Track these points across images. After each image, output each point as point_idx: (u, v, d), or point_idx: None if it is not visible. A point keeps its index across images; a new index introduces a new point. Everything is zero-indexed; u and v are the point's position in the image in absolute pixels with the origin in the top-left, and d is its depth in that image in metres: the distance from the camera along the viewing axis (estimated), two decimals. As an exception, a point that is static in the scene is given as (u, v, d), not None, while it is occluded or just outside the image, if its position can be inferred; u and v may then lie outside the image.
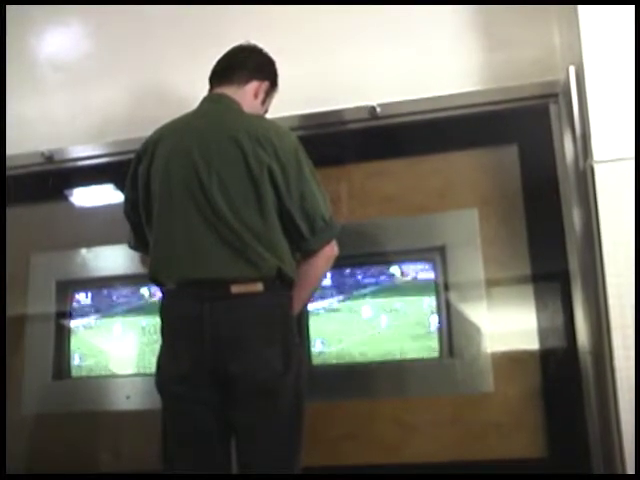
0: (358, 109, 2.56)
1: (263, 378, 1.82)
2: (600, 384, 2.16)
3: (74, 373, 2.80)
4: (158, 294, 2.59)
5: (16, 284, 2.81)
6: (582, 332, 2.27)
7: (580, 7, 2.17)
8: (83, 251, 2.86)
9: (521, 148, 2.49)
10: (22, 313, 2.83)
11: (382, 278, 2.57)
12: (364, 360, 2.53)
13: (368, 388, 2.50)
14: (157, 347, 1.98)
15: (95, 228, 2.83)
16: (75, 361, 2.81)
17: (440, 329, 2.50)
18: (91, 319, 2.83)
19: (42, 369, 2.78)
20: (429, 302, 2.53)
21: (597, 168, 2.10)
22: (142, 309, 2.77)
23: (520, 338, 2.40)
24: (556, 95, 2.40)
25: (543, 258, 2.40)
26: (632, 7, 2.12)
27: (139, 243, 2.11)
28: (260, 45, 2.17)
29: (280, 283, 1.89)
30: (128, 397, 2.69)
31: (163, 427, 1.96)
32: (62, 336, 2.82)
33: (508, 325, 2.43)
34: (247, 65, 2.12)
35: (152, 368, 1.98)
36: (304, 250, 1.94)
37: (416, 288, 2.55)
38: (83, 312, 2.84)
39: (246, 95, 2.09)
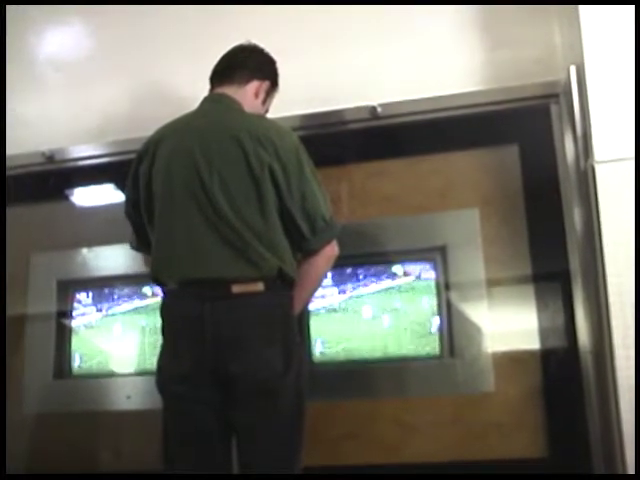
0: (359, 109, 2.56)
1: (264, 378, 1.82)
2: (601, 384, 2.16)
3: (75, 373, 2.80)
4: (157, 293, 2.61)
5: (17, 284, 2.81)
6: (583, 332, 2.27)
7: (581, 7, 2.17)
8: (84, 251, 2.87)
9: (522, 148, 2.49)
10: (23, 313, 2.83)
11: (383, 278, 2.57)
12: (365, 360, 2.53)
13: (369, 388, 2.50)
14: (158, 347, 1.98)
15: (96, 228, 2.83)
16: (76, 361, 2.81)
17: (441, 329, 2.50)
18: (92, 319, 2.83)
19: (43, 369, 2.78)
20: (430, 302, 2.53)
21: (598, 168, 2.10)
22: (143, 309, 2.77)
23: (521, 338, 2.40)
24: (557, 95, 2.40)
25: (544, 258, 2.40)
26: (633, 7, 2.11)
27: (141, 244, 2.11)
28: (261, 45, 2.17)
29: (281, 283, 1.89)
30: (129, 397, 2.69)
31: (164, 427, 1.96)
32: (63, 336, 2.82)
33: (509, 325, 2.43)
34: (248, 65, 2.12)
35: (153, 368, 1.98)
36: (305, 250, 1.94)
37: (417, 288, 2.55)
38: (84, 312, 2.84)
39: (247, 95, 2.09)
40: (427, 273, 2.55)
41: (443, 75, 2.56)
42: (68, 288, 2.87)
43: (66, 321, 2.84)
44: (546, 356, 2.36)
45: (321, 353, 2.56)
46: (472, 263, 2.48)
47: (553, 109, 2.42)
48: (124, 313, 2.80)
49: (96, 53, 2.93)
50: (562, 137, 2.36)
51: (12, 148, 2.78)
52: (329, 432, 2.44)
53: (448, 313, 2.50)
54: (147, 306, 2.76)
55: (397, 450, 2.42)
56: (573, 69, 2.25)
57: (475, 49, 2.57)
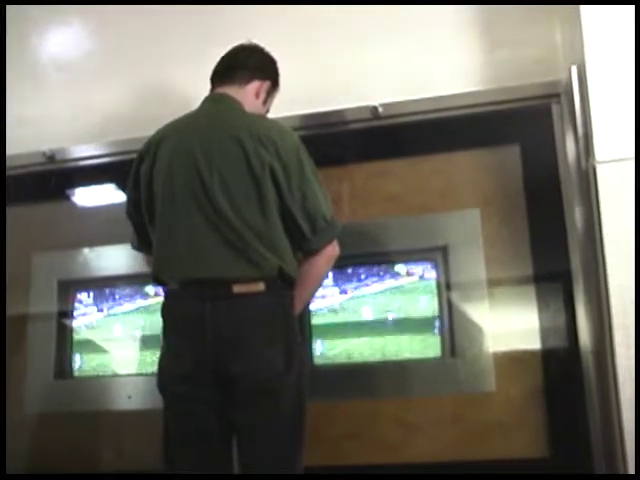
0: (360, 109, 2.56)
1: (264, 378, 1.82)
2: (602, 383, 2.16)
3: (76, 373, 2.80)
4: (159, 293, 2.61)
5: (18, 284, 2.81)
6: (584, 331, 2.27)
7: (582, 7, 2.17)
8: (85, 251, 2.87)
9: (523, 148, 2.49)
10: (24, 313, 2.83)
11: (384, 278, 2.57)
12: (366, 360, 2.53)
13: (370, 388, 2.50)
14: (159, 347, 1.98)
15: (97, 228, 2.83)
16: (77, 361, 2.81)
17: (442, 329, 2.50)
18: (93, 319, 2.83)
19: (44, 368, 2.78)
20: (431, 302, 2.53)
21: (599, 168, 2.10)
22: (144, 309, 2.78)
23: (522, 338, 2.40)
24: (558, 95, 2.40)
25: (545, 258, 2.40)
26: (633, 7, 2.11)
27: (142, 244, 2.11)
28: (261, 45, 2.17)
29: (281, 283, 1.89)
30: (130, 397, 2.69)
31: (165, 427, 1.96)
32: (64, 336, 2.82)
33: (510, 325, 2.43)
34: (248, 65, 2.12)
35: (154, 368, 1.98)
36: (305, 250, 1.94)
37: (418, 288, 2.55)
38: (85, 312, 2.84)
39: (247, 95, 2.09)
40: (428, 273, 2.55)
41: (444, 75, 2.56)
42: (69, 288, 2.87)
43: (67, 321, 2.85)
44: (547, 356, 2.36)
45: (322, 353, 2.56)
46: (473, 263, 2.48)
47: (554, 109, 2.42)
48: (125, 313, 2.80)
49: (97, 53, 2.93)
50: (563, 137, 2.36)
51: (13, 148, 2.78)
52: (330, 432, 2.44)
53: (449, 313, 2.50)
54: (148, 306, 2.76)
55: (398, 450, 2.42)
56: (574, 69, 2.25)
57: (476, 49, 2.57)
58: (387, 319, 2.56)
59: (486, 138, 2.53)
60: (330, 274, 2.52)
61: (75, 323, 2.85)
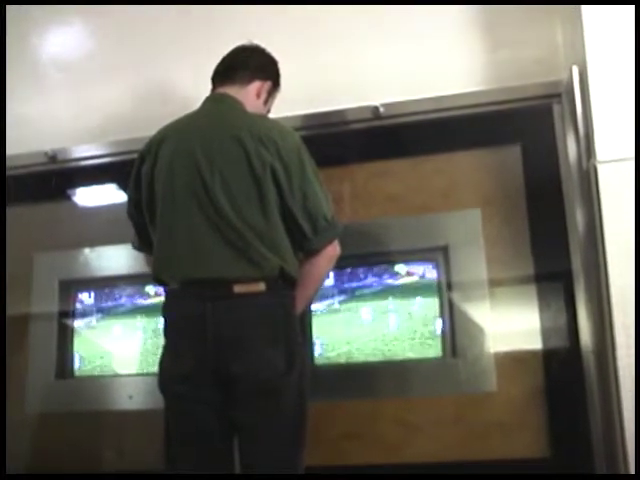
0: (361, 109, 2.56)
1: (265, 378, 1.81)
2: (603, 384, 2.15)
3: (77, 373, 2.81)
4: (160, 293, 2.61)
5: (19, 284, 2.82)
6: (585, 332, 2.26)
7: (583, 7, 2.17)
8: (86, 251, 2.87)
9: (524, 148, 2.49)
10: (25, 312, 2.84)
11: (385, 278, 2.57)
12: (367, 360, 2.53)
13: (371, 388, 2.50)
14: (160, 347, 1.98)
15: (98, 228, 2.83)
16: (78, 361, 2.81)
17: (443, 329, 2.50)
18: (94, 319, 2.84)
19: (45, 368, 2.78)
20: (432, 302, 2.53)
21: (600, 168, 2.10)
22: (145, 309, 2.78)
23: (523, 338, 2.40)
24: (559, 95, 2.39)
25: (546, 258, 2.40)
26: (633, 7, 2.11)
27: (143, 244, 2.12)
28: (262, 45, 2.17)
29: (282, 283, 1.89)
30: (131, 397, 2.69)
31: (167, 427, 1.96)
32: (65, 336, 2.83)
33: (511, 325, 2.43)
34: (249, 65, 2.12)
35: (155, 368, 1.98)
36: (306, 250, 1.94)
37: (419, 288, 2.55)
38: (86, 312, 2.85)
39: (248, 95, 2.09)
40: (429, 273, 2.55)
41: (445, 75, 2.56)
42: (70, 288, 2.87)
43: (68, 321, 2.85)
44: (548, 356, 2.36)
45: (323, 353, 2.56)
46: (474, 263, 2.48)
47: (555, 109, 2.42)
48: (126, 313, 2.80)
49: (98, 53, 2.93)
50: (564, 137, 2.35)
51: (14, 148, 2.78)
52: (331, 432, 2.44)
53: (450, 313, 2.50)
54: (149, 306, 2.76)
55: (399, 450, 2.42)
56: (575, 69, 2.25)
57: (477, 49, 2.57)
58: (388, 319, 2.55)
59: (487, 138, 2.53)
60: (331, 274, 2.52)
61: (76, 323, 2.85)
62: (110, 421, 2.71)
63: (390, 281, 2.57)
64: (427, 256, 2.57)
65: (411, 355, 2.51)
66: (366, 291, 2.58)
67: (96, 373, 2.79)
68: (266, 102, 2.16)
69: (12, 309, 2.73)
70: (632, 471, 1.96)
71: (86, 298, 2.86)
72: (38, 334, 2.82)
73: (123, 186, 2.33)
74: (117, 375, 2.80)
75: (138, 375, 2.75)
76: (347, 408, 2.48)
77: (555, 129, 2.42)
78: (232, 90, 2.07)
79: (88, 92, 2.87)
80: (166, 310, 1.96)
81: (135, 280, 2.77)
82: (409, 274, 2.56)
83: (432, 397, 2.46)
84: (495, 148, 2.56)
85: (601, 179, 2.08)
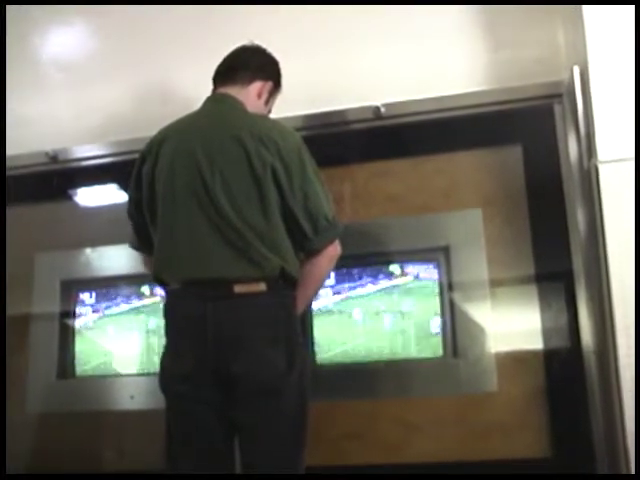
0: (362, 109, 2.56)
1: (266, 378, 1.82)
2: (604, 384, 2.15)
3: (78, 372, 2.81)
4: (160, 294, 2.62)
5: (21, 284, 2.82)
6: (586, 332, 2.26)
7: (585, 7, 2.17)
8: (87, 251, 2.87)
9: (525, 148, 2.49)
10: (27, 312, 2.84)
11: (385, 278, 2.57)
12: (368, 360, 2.53)
13: (372, 388, 2.50)
14: (161, 346, 1.98)
15: (99, 228, 2.83)
16: (79, 361, 2.81)
17: (444, 329, 2.50)
18: (95, 319, 2.84)
19: (46, 368, 2.78)
20: (433, 302, 2.53)
21: (601, 168, 2.09)
22: (145, 308, 2.78)
23: (524, 338, 2.40)
24: (560, 95, 2.39)
25: (547, 258, 2.40)
26: (633, 7, 2.11)
27: (142, 243, 2.11)
28: (264, 45, 2.17)
29: (283, 283, 1.89)
30: (132, 397, 2.69)
31: (167, 427, 1.96)
32: (66, 336, 2.83)
33: (512, 325, 2.43)
34: (250, 65, 2.13)
35: (156, 368, 1.98)
36: (307, 250, 1.94)
37: (420, 288, 2.55)
38: (87, 312, 2.85)
39: (249, 95, 2.09)
40: (430, 273, 2.55)
41: (446, 75, 2.56)
42: (71, 288, 2.87)
43: (69, 321, 2.85)
44: (549, 356, 2.36)
45: (324, 353, 2.56)
46: (475, 263, 2.48)
47: (556, 109, 2.42)
48: (127, 313, 2.80)
49: (99, 53, 2.93)
50: (565, 137, 2.35)
51: (15, 148, 2.78)
52: (332, 432, 2.44)
53: (451, 313, 2.50)
54: (150, 306, 2.77)
55: (400, 450, 2.42)
56: (576, 69, 2.25)
57: (478, 49, 2.57)
58: (389, 319, 2.55)
59: (488, 138, 2.53)
60: (332, 274, 2.52)
61: (77, 323, 2.85)
62: (111, 421, 2.72)
63: (390, 281, 2.57)
64: (428, 256, 2.57)
65: (412, 355, 2.51)
66: (367, 291, 2.58)
67: (97, 373, 2.79)
68: (267, 102, 2.16)
69: (13, 309, 2.73)
70: (633, 471, 1.95)
71: (87, 298, 2.86)
72: (39, 334, 2.83)
73: (124, 186, 2.33)
74: (118, 375, 2.80)
75: (139, 375, 2.76)
76: (348, 408, 2.48)
77: (556, 129, 2.42)
78: (233, 90, 2.07)
79: (89, 92, 2.87)
80: (167, 310, 1.96)
81: (136, 280, 2.77)
82: (410, 274, 2.56)
83: (433, 397, 2.46)
84: (496, 148, 2.56)
85: (602, 179, 2.08)
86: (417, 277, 2.56)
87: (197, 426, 1.86)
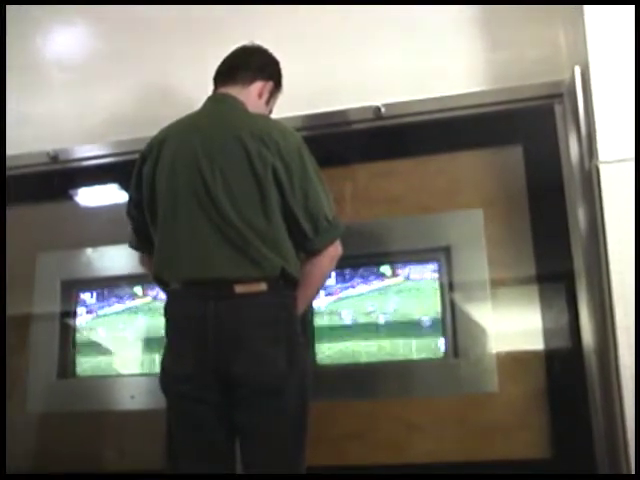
0: (363, 109, 2.56)
1: (267, 378, 1.81)
2: (605, 384, 2.15)
3: (79, 372, 2.81)
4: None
5: (22, 283, 2.82)
6: (587, 332, 2.26)
7: (586, 7, 2.17)
8: (88, 251, 2.88)
9: (526, 148, 2.49)
10: (28, 312, 2.84)
11: (387, 278, 2.57)
12: (369, 360, 2.53)
13: (373, 388, 2.50)
14: (162, 346, 1.98)
15: (100, 228, 2.83)
16: (79, 360, 2.81)
17: (445, 329, 2.49)
18: (96, 318, 2.84)
19: (47, 368, 2.78)
20: (434, 302, 2.53)
21: (602, 168, 2.09)
22: (146, 308, 2.78)
23: (525, 338, 2.40)
24: (561, 95, 2.39)
25: (548, 258, 2.40)
26: (634, 7, 2.11)
27: (141, 243, 2.11)
28: (264, 45, 2.17)
29: (284, 283, 1.88)
30: (132, 397, 2.69)
31: (168, 427, 1.96)
32: (67, 335, 2.83)
33: (513, 325, 2.43)
34: (251, 65, 2.13)
35: (156, 368, 1.98)
36: (308, 250, 1.94)
37: (421, 288, 2.55)
38: (87, 312, 2.85)
39: (250, 95, 2.09)
40: (431, 273, 2.55)
41: (447, 75, 2.56)
42: (72, 288, 2.88)
43: (70, 321, 2.85)
44: (550, 356, 2.36)
45: (325, 353, 2.56)
46: (476, 263, 2.48)
47: (557, 109, 2.42)
48: (127, 313, 2.80)
49: (100, 53, 2.93)
50: (566, 137, 2.35)
51: (16, 148, 2.78)
52: (333, 432, 2.44)
53: (452, 313, 2.49)
54: (150, 306, 2.76)
55: (401, 450, 2.42)
56: (577, 69, 2.24)
57: (479, 49, 2.57)
58: (390, 319, 2.55)
59: (489, 138, 2.53)
60: (333, 274, 2.52)
61: (78, 323, 2.85)
62: (112, 421, 2.72)
63: (392, 281, 2.57)
64: (429, 256, 2.57)
65: (413, 355, 2.51)
66: (368, 291, 2.58)
67: (98, 373, 2.79)
68: (268, 102, 2.16)
69: (14, 309, 2.74)
70: (633, 471, 1.95)
71: (88, 298, 2.86)
72: (40, 334, 2.83)
73: (125, 186, 2.32)
74: (119, 375, 2.81)
75: (140, 375, 2.76)
76: (349, 408, 2.48)
77: (557, 129, 2.41)
78: (234, 90, 2.07)
79: (89, 92, 2.87)
80: (168, 310, 1.95)
81: (137, 280, 2.77)
82: (411, 274, 2.56)
83: (434, 397, 2.46)
84: (497, 148, 2.56)
85: (603, 179, 2.08)
86: (419, 277, 2.55)
87: (198, 426, 1.86)
